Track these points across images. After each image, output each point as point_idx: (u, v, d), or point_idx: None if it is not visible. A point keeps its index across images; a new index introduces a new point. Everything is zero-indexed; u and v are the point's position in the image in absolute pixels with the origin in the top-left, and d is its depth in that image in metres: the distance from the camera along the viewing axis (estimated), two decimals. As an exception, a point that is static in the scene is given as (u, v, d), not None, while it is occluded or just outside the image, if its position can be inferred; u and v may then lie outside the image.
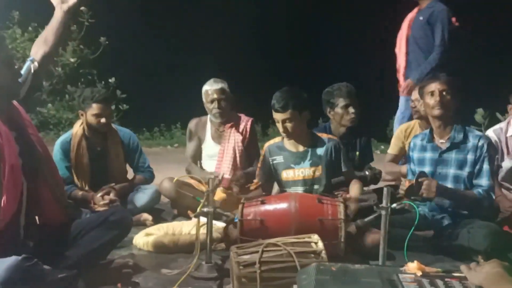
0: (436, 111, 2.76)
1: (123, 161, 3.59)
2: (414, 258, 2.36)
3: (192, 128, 3.78)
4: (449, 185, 2.74)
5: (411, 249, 2.33)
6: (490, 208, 2.79)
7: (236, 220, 2.72)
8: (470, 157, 2.73)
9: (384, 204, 2.18)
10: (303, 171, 2.89)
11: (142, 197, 3.49)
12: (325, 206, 2.43)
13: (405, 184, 2.61)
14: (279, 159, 2.95)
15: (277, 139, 3.03)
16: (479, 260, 2.42)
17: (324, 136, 2.97)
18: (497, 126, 3.92)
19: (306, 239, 2.07)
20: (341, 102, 3.41)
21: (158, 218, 3.49)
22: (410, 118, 4.02)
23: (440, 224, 2.79)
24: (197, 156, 3.78)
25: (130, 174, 3.80)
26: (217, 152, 3.67)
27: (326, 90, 3.52)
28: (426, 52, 4.19)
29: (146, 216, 3.32)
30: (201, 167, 3.75)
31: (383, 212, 2.18)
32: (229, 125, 3.65)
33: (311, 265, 1.43)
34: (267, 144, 3.04)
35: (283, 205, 2.49)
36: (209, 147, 3.72)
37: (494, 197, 2.76)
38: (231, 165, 3.60)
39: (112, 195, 3.26)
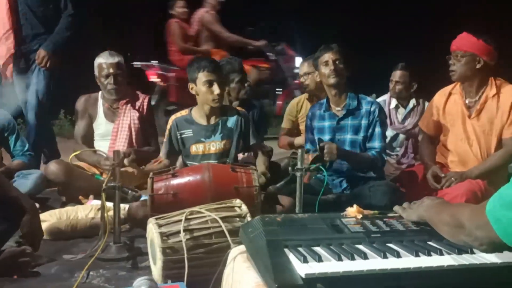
0: (332, 80, 2.89)
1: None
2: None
3: (81, 106, 3.46)
4: (347, 148, 2.90)
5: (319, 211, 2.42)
6: (383, 167, 3.01)
7: (143, 198, 2.57)
8: (364, 122, 2.91)
9: (299, 165, 2.22)
10: (214, 144, 2.80)
11: (24, 183, 3.11)
12: (239, 174, 2.41)
13: (308, 158, 2.70)
14: (187, 133, 2.83)
15: (183, 112, 2.90)
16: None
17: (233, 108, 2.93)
18: (380, 99, 4.27)
19: (229, 204, 2.02)
20: (236, 77, 3.40)
21: (45, 207, 3.15)
22: None
23: (339, 187, 2.94)
24: (88, 137, 3.47)
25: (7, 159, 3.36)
26: (110, 130, 3.41)
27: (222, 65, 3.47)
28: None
29: None
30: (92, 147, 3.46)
31: (298, 174, 2.21)
32: (124, 101, 3.42)
33: (255, 218, 1.38)
34: (173, 117, 2.89)
35: (196, 176, 2.40)
36: (102, 126, 3.44)
37: (386, 157, 2.99)
38: (126, 143, 3.38)
39: None
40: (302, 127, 3.80)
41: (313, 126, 3.05)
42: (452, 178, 2.84)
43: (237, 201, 2.03)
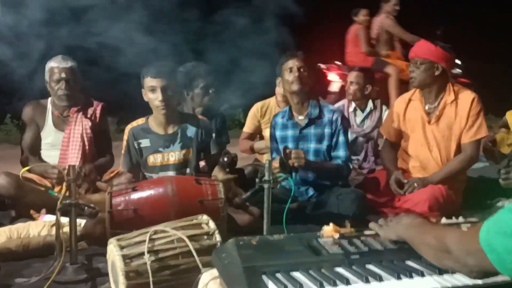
0: (295, 86, 2.85)
1: None
2: (289, 230, 2.45)
3: (28, 113, 3.24)
4: (311, 158, 2.87)
5: (286, 222, 2.37)
6: (348, 176, 3.02)
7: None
8: (327, 131, 2.89)
9: (266, 177, 2.15)
10: (173, 154, 2.69)
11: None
12: (204, 186, 2.32)
13: (274, 165, 2.65)
14: (145, 142, 2.69)
15: (140, 121, 2.76)
16: (346, 224, 2.60)
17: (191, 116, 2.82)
18: (340, 103, 4.31)
19: (195, 221, 1.92)
20: (201, 82, 3.30)
21: (-10, 222, 2.92)
22: None
23: (305, 195, 2.92)
24: (35, 146, 3.25)
25: None
26: (60, 140, 3.22)
27: (180, 71, 3.36)
28: None
29: None
30: (39, 158, 3.25)
31: (265, 186, 2.15)
32: (76, 109, 3.23)
33: (228, 242, 1.30)
34: (129, 127, 2.75)
35: (158, 190, 2.29)
36: (50, 135, 3.22)
37: (351, 166, 2.99)
38: (79, 154, 3.19)
39: None
40: (265, 132, 3.75)
41: (276, 135, 3.00)
42: (415, 184, 2.88)
43: (204, 217, 1.94)
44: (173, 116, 2.68)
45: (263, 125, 3.81)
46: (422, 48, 2.94)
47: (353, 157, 4.08)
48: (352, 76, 4.14)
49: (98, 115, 3.31)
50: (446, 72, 2.94)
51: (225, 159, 3.36)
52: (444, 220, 2.51)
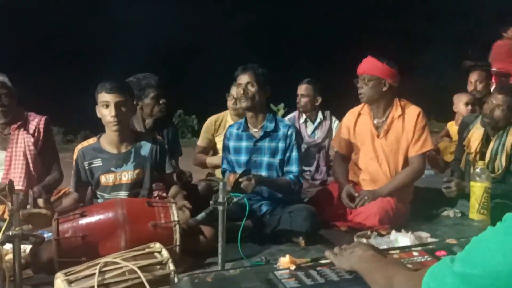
0: (243, 103, 2.85)
1: None
2: (244, 249, 2.44)
3: None
4: (263, 172, 2.88)
5: (237, 241, 2.36)
6: (300, 191, 3.04)
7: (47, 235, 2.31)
8: (281, 145, 2.90)
9: (220, 199, 2.13)
10: (126, 174, 2.59)
11: None
12: (157, 209, 2.25)
13: (229, 179, 2.64)
14: (96, 162, 2.58)
15: (91, 140, 2.65)
16: (300, 241, 2.62)
17: (147, 134, 2.74)
18: (291, 115, 4.37)
19: (148, 250, 1.87)
20: (151, 92, 3.23)
21: None
22: None
23: (259, 211, 2.91)
24: (-24, 167, 3.07)
25: None
26: (2, 160, 3.05)
27: (131, 80, 3.25)
28: None
29: None
30: None
31: (220, 208, 2.13)
32: (16, 125, 3.06)
33: (183, 280, 1.27)
34: (79, 147, 2.63)
35: (108, 215, 2.21)
36: (-8, 155, 3.06)
37: (302, 181, 3.02)
38: (23, 173, 3.03)
39: None
40: (219, 146, 3.72)
41: (229, 145, 2.99)
42: (365, 197, 2.94)
43: (157, 245, 1.89)
44: (126, 134, 2.59)
45: (217, 139, 3.78)
46: (369, 64, 3.02)
47: (305, 168, 4.14)
48: (302, 88, 4.21)
49: (41, 129, 3.14)
50: (393, 87, 3.03)
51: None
52: (393, 233, 2.60)
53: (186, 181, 3.42)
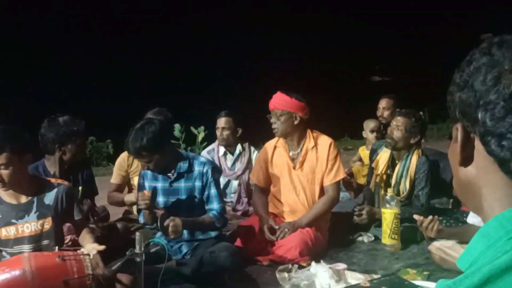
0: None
1: None
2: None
3: None
4: (183, 213, 2.80)
5: (161, 284, 2.32)
6: (224, 226, 3.03)
7: None
8: (197, 184, 2.85)
9: (137, 250, 2.06)
10: (29, 225, 2.39)
11: None
12: (69, 263, 2.13)
13: (145, 194, 2.67)
14: None
15: None
16: (227, 282, 2.61)
17: (52, 180, 2.56)
18: (210, 147, 4.34)
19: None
20: (78, 139, 3.06)
21: None
22: None
23: (178, 253, 2.86)
24: None
25: None
26: None
27: (50, 125, 3.04)
28: None
29: None
30: None
31: (137, 259, 2.06)
32: None
33: None
34: None
35: (14, 273, 2.05)
36: None
37: (226, 216, 3.01)
38: None
39: None
40: (133, 181, 3.61)
41: (145, 185, 2.91)
42: (286, 229, 3.00)
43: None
44: (24, 185, 2.40)
45: (132, 174, 3.67)
46: (279, 100, 3.11)
47: (227, 200, 4.13)
48: (222, 121, 4.17)
49: None
50: (304, 120, 3.14)
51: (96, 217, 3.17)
52: (313, 265, 2.67)
53: (104, 216, 3.28)
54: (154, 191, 2.74)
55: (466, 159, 0.65)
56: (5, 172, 2.28)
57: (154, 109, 3.76)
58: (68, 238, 2.87)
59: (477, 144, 0.63)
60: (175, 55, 11.82)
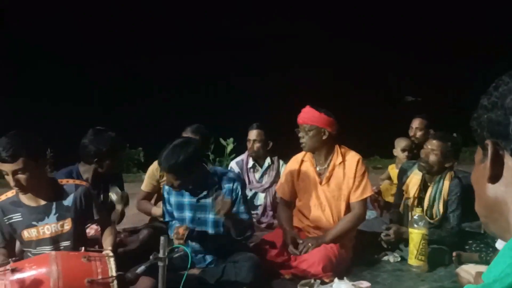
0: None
1: None
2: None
3: None
4: (210, 229, 2.81)
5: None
6: (250, 238, 3.03)
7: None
8: None
9: (161, 254, 2.08)
10: (49, 227, 2.43)
11: None
12: (93, 264, 2.18)
13: (179, 232, 2.63)
14: (16, 217, 2.41)
15: (9, 194, 2.47)
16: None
17: (70, 182, 2.58)
18: (239, 158, 4.36)
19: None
20: (115, 154, 3.15)
21: None
22: None
23: (202, 262, 2.86)
24: None
25: None
26: None
27: (95, 139, 3.12)
28: None
29: None
30: None
31: (160, 264, 2.08)
32: None
33: None
34: None
35: (41, 271, 2.11)
36: None
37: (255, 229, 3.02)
38: None
39: None
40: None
41: (171, 200, 2.90)
42: (309, 244, 2.98)
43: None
44: (42, 188, 2.44)
45: (162, 184, 3.69)
46: (308, 115, 3.11)
47: (252, 212, 4.13)
48: (253, 134, 4.18)
49: None
50: (332, 135, 3.13)
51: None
52: (336, 281, 2.63)
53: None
54: (188, 229, 2.69)
55: (496, 176, 0.67)
56: (22, 177, 2.32)
57: (193, 126, 3.75)
58: (89, 228, 2.93)
59: (507, 160, 0.65)
60: (211, 68, 12.02)
